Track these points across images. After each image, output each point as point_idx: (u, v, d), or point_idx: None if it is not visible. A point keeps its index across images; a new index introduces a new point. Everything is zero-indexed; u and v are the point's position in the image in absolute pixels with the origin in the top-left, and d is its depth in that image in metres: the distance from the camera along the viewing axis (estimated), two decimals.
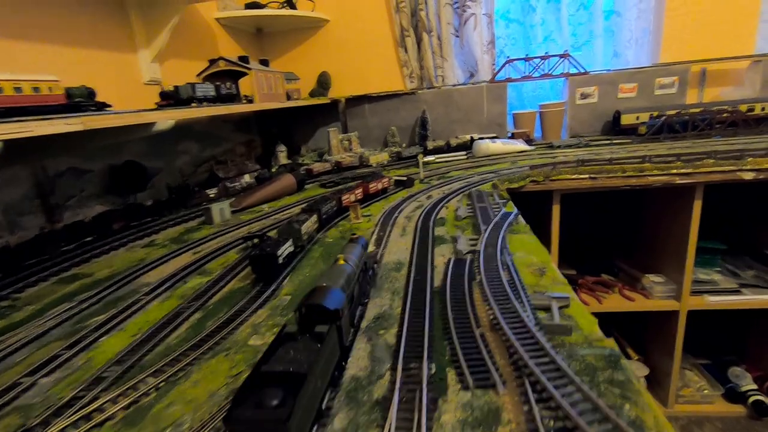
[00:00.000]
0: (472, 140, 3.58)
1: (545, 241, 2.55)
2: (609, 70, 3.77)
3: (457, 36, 4.03)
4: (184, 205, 2.39)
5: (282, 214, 2.10)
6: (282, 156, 3.35)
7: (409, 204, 2.03)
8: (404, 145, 3.98)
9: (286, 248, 1.25)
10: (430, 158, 3.14)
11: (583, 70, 3.68)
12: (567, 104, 3.78)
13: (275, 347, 0.65)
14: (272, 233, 1.63)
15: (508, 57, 3.78)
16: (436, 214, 1.80)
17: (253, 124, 3.80)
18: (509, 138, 3.72)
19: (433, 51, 4.00)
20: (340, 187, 2.60)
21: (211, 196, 2.49)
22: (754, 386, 2.81)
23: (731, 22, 3.71)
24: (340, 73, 4.20)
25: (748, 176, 2.22)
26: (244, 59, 2.37)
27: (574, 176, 2.35)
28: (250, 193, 2.25)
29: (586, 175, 2.34)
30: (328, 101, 3.85)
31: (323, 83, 4.15)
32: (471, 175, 2.57)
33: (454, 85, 3.96)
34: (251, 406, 0.53)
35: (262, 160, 3.54)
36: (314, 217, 1.56)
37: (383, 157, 3.26)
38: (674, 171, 2.27)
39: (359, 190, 1.97)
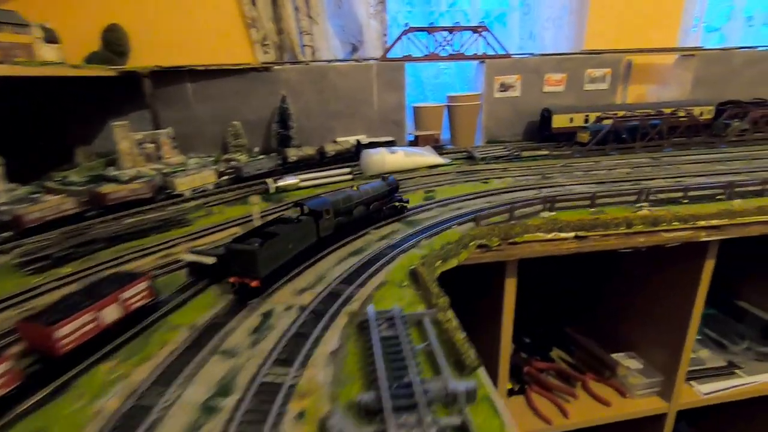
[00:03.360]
0: (359, 146, 2.35)
1: (489, 329, 1.47)
2: (533, 54, 2.87)
3: None
4: None
5: None
6: None
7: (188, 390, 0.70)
8: (256, 149, 2.58)
9: None
10: (291, 181, 1.82)
11: (504, 52, 2.70)
12: (483, 97, 2.79)
13: (272, 224, 1.04)
14: None
15: (407, 25, 2.62)
16: None
17: None
18: (411, 143, 2.60)
19: (296, 7, 2.64)
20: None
21: None
22: None
23: (655, 10, 3.10)
24: (144, 31, 2.58)
25: None
26: None
27: (550, 236, 1.27)
28: None
29: (571, 234, 1.28)
30: (115, 74, 2.24)
31: (113, 44, 2.50)
32: (359, 232, 1.33)
33: (330, 61, 2.67)
34: (241, 243, 0.94)
35: None
36: None
37: (205, 178, 1.83)
38: (702, 223, 1.33)
39: None
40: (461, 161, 2.36)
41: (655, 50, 2.90)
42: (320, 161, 2.26)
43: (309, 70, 2.56)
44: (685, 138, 2.53)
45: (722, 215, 1.33)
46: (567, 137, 2.64)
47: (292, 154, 2.12)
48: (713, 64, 2.98)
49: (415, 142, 2.54)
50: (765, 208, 1.34)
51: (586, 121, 2.66)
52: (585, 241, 1.28)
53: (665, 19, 3.17)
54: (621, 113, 2.50)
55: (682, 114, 2.52)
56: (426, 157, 2.22)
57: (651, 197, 1.49)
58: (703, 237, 1.35)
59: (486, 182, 1.89)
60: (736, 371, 1.88)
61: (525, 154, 2.41)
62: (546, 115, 2.70)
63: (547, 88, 2.84)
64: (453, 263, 1.11)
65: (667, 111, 2.54)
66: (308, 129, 2.61)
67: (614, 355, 1.90)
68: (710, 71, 2.98)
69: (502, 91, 2.78)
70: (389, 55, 2.68)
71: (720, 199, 1.52)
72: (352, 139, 2.41)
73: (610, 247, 1.30)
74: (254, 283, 0.91)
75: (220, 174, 1.94)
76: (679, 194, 1.51)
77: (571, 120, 2.67)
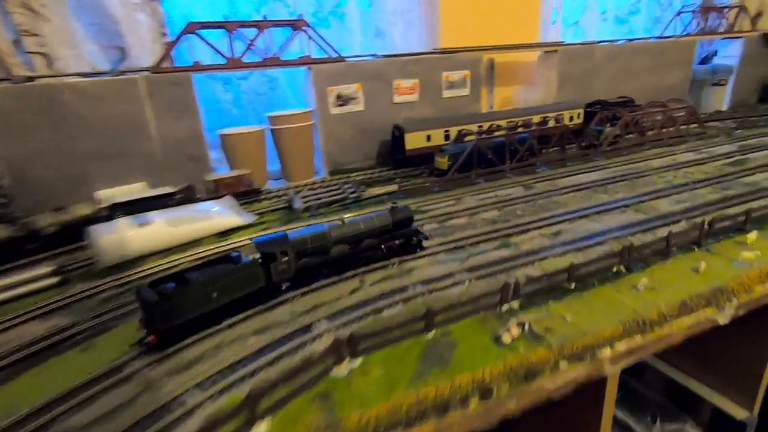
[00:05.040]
0: (114, 208, 1.50)
1: None
2: (374, 56, 2.25)
3: None
4: None
5: None
6: None
7: None
8: None
9: None
10: None
11: (335, 54, 2.03)
12: (316, 115, 2.10)
13: (214, 263, 0.90)
14: None
15: (189, 21, 1.81)
16: None
17: None
18: (212, 193, 1.79)
19: None
20: None
21: None
22: None
23: (512, 1, 2.70)
24: None
25: (724, 320, 0.91)
26: None
27: None
28: None
29: None
30: None
31: None
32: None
33: (88, 76, 1.75)
34: (153, 289, 0.80)
35: None
36: None
37: None
38: (605, 353, 0.76)
39: None
40: (277, 215, 1.64)
41: (513, 47, 2.47)
42: (35, 246, 1.36)
43: (26, 92, 1.62)
44: (558, 148, 2.12)
45: (630, 331, 0.78)
46: (426, 160, 2.07)
47: None
48: (576, 59, 2.66)
49: (215, 190, 1.75)
50: (689, 305, 0.83)
51: (447, 137, 2.12)
52: None
53: (524, 12, 2.79)
54: (486, 125, 1.98)
55: (552, 123, 2.09)
56: (214, 219, 1.45)
57: (524, 290, 0.91)
58: (608, 370, 0.78)
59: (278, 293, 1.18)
60: None
61: (369, 193, 1.77)
62: (397, 134, 2.10)
63: (397, 99, 2.24)
64: None
65: (536, 119, 2.09)
66: (46, 183, 1.67)
67: None
68: (574, 68, 2.66)
69: (340, 104, 2.12)
70: (175, 64, 1.86)
71: (619, 273, 1.00)
72: (107, 197, 1.55)
73: None
74: (149, 338, 0.78)
75: None
76: (563, 275, 0.95)
77: (429, 138, 2.10)
